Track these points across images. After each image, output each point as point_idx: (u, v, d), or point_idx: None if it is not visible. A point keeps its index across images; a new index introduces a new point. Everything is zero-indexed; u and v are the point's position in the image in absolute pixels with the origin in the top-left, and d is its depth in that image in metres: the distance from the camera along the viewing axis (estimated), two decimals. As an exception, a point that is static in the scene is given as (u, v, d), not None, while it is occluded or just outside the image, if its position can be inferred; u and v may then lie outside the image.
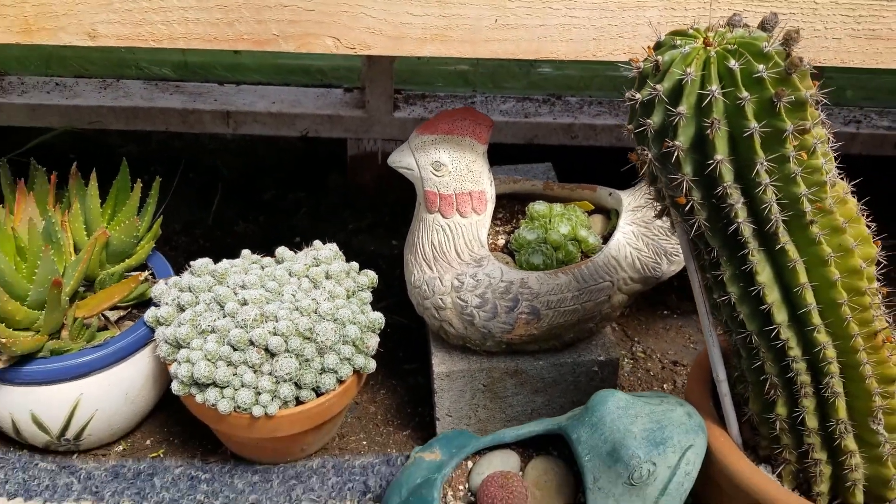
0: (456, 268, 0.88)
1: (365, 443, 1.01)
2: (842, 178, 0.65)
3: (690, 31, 0.60)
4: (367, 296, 0.94)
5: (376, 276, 0.96)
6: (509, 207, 1.02)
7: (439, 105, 1.38)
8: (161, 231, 1.01)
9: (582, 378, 0.93)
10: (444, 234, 0.89)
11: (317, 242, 0.97)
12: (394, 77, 1.32)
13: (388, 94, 1.31)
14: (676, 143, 0.59)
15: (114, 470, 0.96)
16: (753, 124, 0.57)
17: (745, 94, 0.57)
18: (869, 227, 0.66)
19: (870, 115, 1.43)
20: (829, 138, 0.62)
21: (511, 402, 0.95)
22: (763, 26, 0.60)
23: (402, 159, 0.89)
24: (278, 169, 1.47)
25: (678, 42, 0.60)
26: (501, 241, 0.97)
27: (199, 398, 0.85)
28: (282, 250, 0.96)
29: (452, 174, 0.87)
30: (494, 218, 1.01)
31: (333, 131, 1.34)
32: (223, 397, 0.84)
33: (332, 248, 0.96)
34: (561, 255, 0.90)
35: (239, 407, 0.84)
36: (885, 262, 0.68)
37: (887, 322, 0.71)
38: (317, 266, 0.93)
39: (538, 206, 0.95)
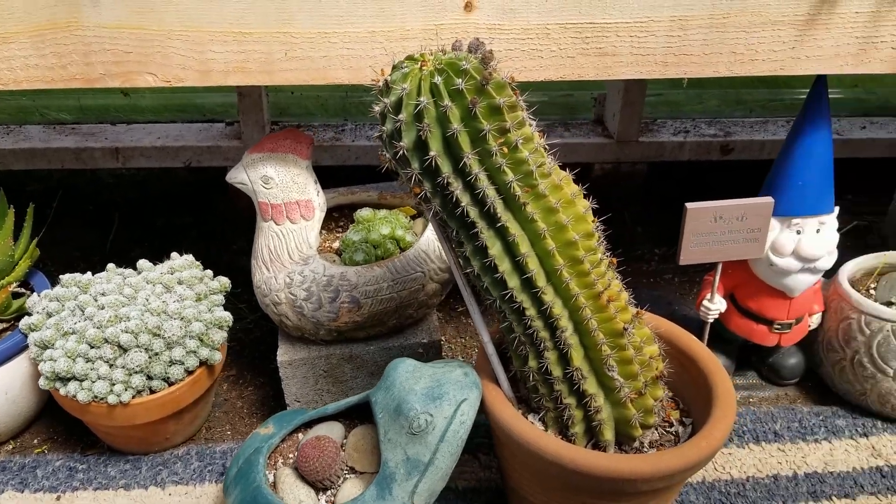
0: (288, 267, 1.02)
1: (230, 433, 1.14)
2: (563, 170, 0.81)
3: (416, 56, 0.76)
4: (219, 298, 1.07)
5: (228, 282, 1.10)
6: (349, 216, 1.16)
7: (311, 134, 1.53)
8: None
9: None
10: (277, 239, 1.03)
11: (174, 254, 1.10)
12: (267, 110, 1.47)
13: (262, 124, 1.46)
14: (401, 144, 0.73)
15: (1, 465, 1.07)
16: (455, 126, 0.72)
17: (446, 102, 0.72)
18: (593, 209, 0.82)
19: (699, 125, 1.60)
20: (536, 135, 0.77)
21: (352, 385, 1.08)
22: (470, 49, 0.75)
23: (237, 175, 1.03)
24: (169, 197, 1.61)
25: (405, 65, 0.75)
26: (336, 245, 1.11)
27: (62, 391, 0.98)
28: (142, 262, 1.09)
29: (279, 186, 1.01)
30: (336, 225, 1.16)
31: (214, 161, 1.48)
32: (82, 388, 0.97)
33: (188, 258, 1.09)
34: (380, 252, 1.05)
35: (97, 397, 0.97)
36: (604, 238, 0.83)
37: (622, 287, 0.86)
38: (171, 274, 1.06)
39: (363, 212, 1.10)
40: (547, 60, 0.90)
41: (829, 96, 1.02)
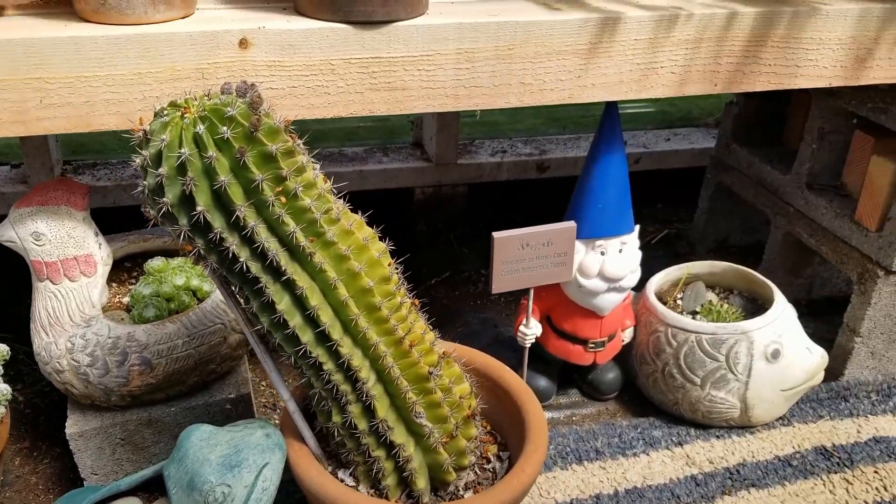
0: (69, 330, 0.93)
1: (22, 515, 1.02)
2: (355, 213, 0.77)
3: (179, 102, 0.69)
4: (-5, 369, 0.96)
5: (7, 349, 0.98)
6: (142, 265, 1.07)
7: (109, 172, 1.42)
8: None
9: (218, 417, 1.00)
10: (56, 300, 0.93)
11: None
12: (56, 150, 1.35)
13: (49, 166, 1.33)
14: (164, 200, 0.67)
15: None
16: (223, 178, 0.66)
17: (211, 153, 0.66)
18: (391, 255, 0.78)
19: (516, 145, 1.62)
20: (319, 179, 0.73)
21: (154, 451, 1.00)
22: (238, 93, 0.70)
23: (4, 233, 0.92)
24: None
25: (166, 112, 0.68)
26: (127, 300, 1.02)
27: None
28: None
29: (53, 242, 0.92)
30: (128, 276, 1.07)
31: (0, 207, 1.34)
32: None
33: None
34: (174, 306, 0.97)
35: None
36: (403, 279, 0.80)
37: (427, 328, 0.83)
38: (-68, 347, 0.94)
39: (155, 262, 1.01)
40: (334, 97, 0.86)
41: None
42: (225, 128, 0.66)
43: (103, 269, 0.96)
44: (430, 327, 0.84)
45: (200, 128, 0.66)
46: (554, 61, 0.91)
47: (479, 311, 1.44)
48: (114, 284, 1.05)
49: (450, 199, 1.59)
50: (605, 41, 0.91)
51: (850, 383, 1.21)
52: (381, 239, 0.79)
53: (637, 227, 1.12)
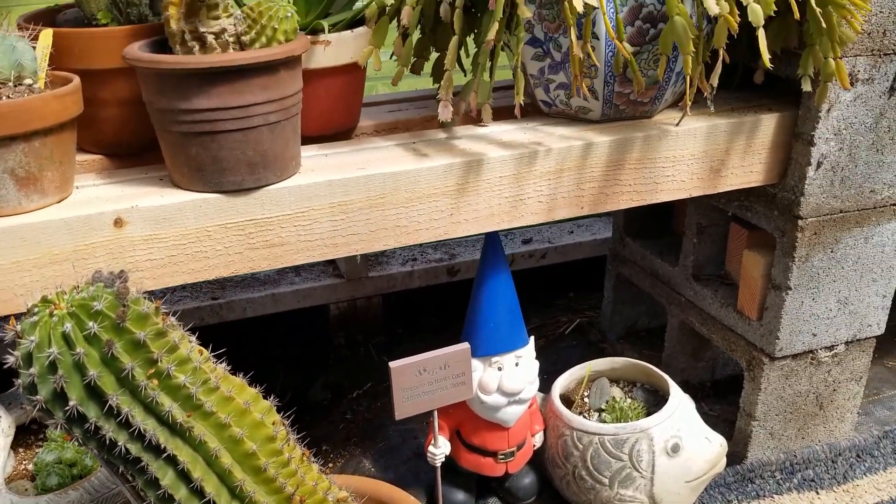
0: (-31, 510, 0.93)
1: None
2: (235, 374, 0.80)
3: (50, 297, 0.72)
4: None
5: None
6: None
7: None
8: None
9: (129, 576, 1.00)
10: (-46, 480, 0.93)
11: None
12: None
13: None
14: (38, 397, 0.69)
15: None
16: (93, 371, 0.69)
17: (79, 350, 0.69)
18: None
19: (426, 251, 1.67)
20: (195, 352, 0.76)
21: None
22: (105, 283, 0.73)
23: None
24: None
25: (36, 309, 0.71)
26: (31, 467, 1.03)
27: None
28: None
29: (-52, 423, 0.92)
30: (36, 438, 1.07)
31: None
32: None
33: None
34: (76, 471, 0.98)
35: None
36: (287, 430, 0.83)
37: (320, 476, 0.86)
38: None
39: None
40: (214, 260, 0.90)
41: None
42: (92, 323, 0.69)
43: (5, 441, 0.97)
44: (324, 475, 0.87)
45: (68, 326, 0.69)
46: (425, 204, 0.96)
47: (399, 423, 1.46)
48: (21, 450, 1.05)
49: (365, 311, 1.63)
50: (472, 181, 0.97)
51: (754, 465, 1.26)
52: (265, 397, 0.82)
53: (531, 339, 1.16)
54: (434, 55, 1.11)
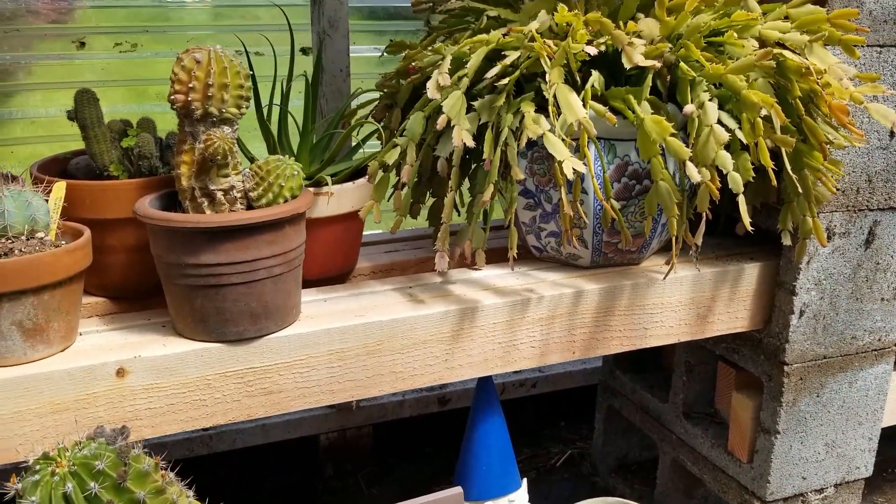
0: None
1: None
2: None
3: (52, 454, 0.73)
4: None
5: None
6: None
7: None
8: None
9: None
10: None
11: None
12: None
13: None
14: (33, 560, 0.69)
15: None
16: (93, 533, 0.69)
17: (79, 510, 0.69)
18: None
19: (417, 380, 1.68)
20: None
21: None
22: (108, 440, 0.74)
23: None
24: None
25: (38, 467, 0.72)
26: None
27: None
28: None
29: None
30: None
31: None
32: None
33: None
34: None
35: None
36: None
37: None
38: None
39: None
40: (212, 408, 0.91)
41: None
42: (94, 483, 0.70)
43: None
44: None
45: (69, 486, 0.70)
46: (421, 350, 0.99)
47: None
48: None
49: (355, 441, 1.62)
50: (467, 327, 1.00)
51: None
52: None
53: (524, 482, 1.16)
54: (430, 200, 1.16)
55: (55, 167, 1.04)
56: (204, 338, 0.90)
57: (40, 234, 0.88)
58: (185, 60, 0.86)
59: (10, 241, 0.85)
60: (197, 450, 1.49)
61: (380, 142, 1.15)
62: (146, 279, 0.99)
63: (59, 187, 0.93)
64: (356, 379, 0.97)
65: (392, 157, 0.97)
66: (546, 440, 1.73)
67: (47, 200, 0.91)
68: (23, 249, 0.84)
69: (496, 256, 1.13)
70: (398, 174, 0.99)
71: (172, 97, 0.86)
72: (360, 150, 1.13)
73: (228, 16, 1.63)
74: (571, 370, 1.75)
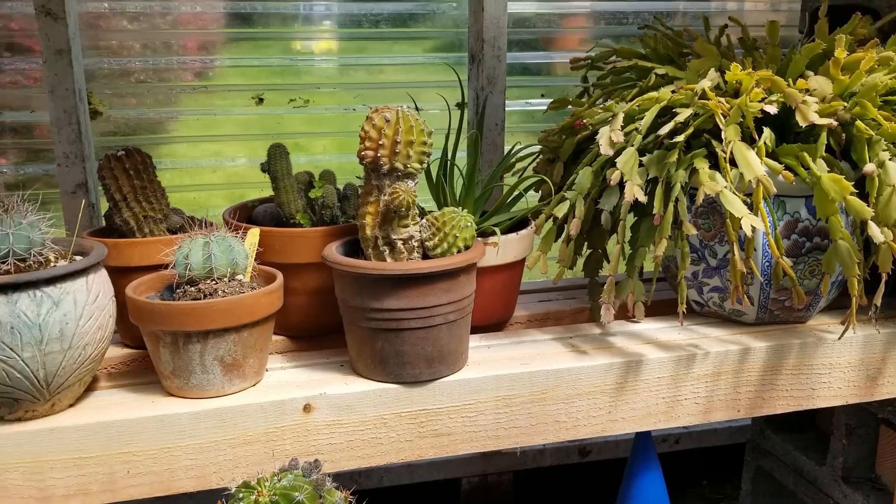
0: None
1: None
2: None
3: (252, 483, 0.79)
4: None
5: None
6: None
7: None
8: None
9: None
10: None
11: None
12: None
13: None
14: (238, 582, 0.74)
15: None
16: (290, 560, 0.74)
17: (281, 538, 0.74)
18: None
19: (557, 429, 1.68)
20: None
21: None
22: (304, 472, 0.79)
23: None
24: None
25: (241, 495, 0.78)
26: None
27: None
28: None
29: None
30: None
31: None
32: None
33: None
34: None
35: None
36: None
37: None
38: None
39: None
40: (386, 446, 0.95)
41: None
42: (293, 512, 0.75)
43: None
44: None
45: (272, 514, 0.75)
46: (585, 400, 1.00)
47: None
48: None
49: (496, 487, 1.64)
50: (631, 380, 1.00)
51: None
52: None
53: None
54: (587, 251, 1.18)
55: (243, 214, 1.13)
56: (382, 378, 0.94)
57: (239, 277, 0.95)
58: (376, 119, 0.92)
59: (214, 282, 0.92)
60: (345, 485, 1.54)
61: (538, 193, 1.19)
62: (325, 320, 1.05)
63: (254, 233, 1.01)
64: (521, 426, 0.99)
65: (562, 210, 1.00)
66: (690, 498, 1.69)
67: (243, 244, 0.99)
68: (226, 290, 0.92)
69: (650, 309, 1.14)
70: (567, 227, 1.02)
71: (363, 153, 0.93)
72: (523, 200, 1.17)
73: (353, 71, 1.69)
74: (717, 427, 1.71)
